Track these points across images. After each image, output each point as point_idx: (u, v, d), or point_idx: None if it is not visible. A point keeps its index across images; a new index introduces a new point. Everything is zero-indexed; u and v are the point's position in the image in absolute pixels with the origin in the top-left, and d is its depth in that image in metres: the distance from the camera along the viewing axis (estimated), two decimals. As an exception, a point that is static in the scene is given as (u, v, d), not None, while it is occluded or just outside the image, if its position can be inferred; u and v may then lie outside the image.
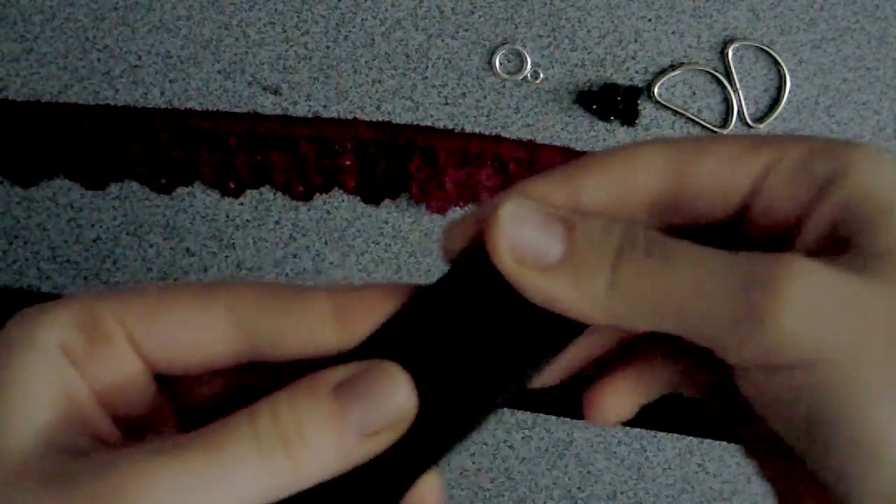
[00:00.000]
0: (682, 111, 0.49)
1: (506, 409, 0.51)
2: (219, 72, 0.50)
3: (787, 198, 0.22)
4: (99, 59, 0.50)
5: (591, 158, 0.24)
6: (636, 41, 0.49)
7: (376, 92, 0.50)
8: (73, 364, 0.22)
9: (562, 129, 0.49)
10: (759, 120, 0.49)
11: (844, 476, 0.20)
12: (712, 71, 0.49)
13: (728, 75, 0.49)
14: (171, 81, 0.50)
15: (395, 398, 0.22)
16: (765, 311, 0.20)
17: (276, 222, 0.51)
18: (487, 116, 0.49)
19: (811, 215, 0.22)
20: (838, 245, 0.21)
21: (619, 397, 0.24)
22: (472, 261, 0.23)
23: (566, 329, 0.23)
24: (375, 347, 0.23)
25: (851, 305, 0.20)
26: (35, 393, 0.22)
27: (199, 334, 0.24)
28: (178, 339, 0.23)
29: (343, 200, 0.51)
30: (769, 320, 0.20)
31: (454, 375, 0.23)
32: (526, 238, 0.22)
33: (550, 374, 0.24)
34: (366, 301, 0.24)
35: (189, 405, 0.25)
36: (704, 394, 0.25)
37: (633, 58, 0.49)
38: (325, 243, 0.51)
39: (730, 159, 0.23)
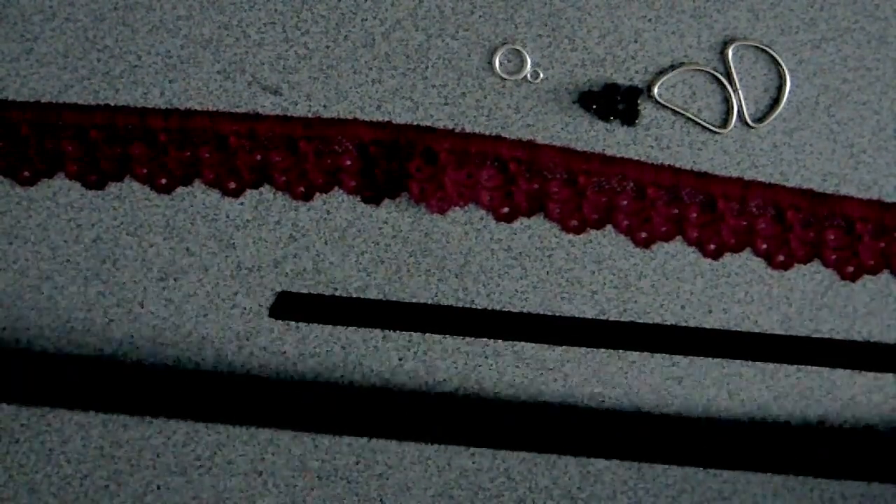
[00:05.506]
0: (682, 111, 0.49)
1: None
2: (219, 72, 0.50)
3: None
4: (99, 59, 0.50)
5: None
6: (636, 41, 0.49)
7: (376, 92, 0.50)
8: None
9: (562, 129, 0.49)
10: (759, 120, 0.49)
11: None
12: (712, 71, 0.49)
13: (728, 75, 0.49)
14: (171, 81, 0.50)
15: None
16: None
17: (276, 222, 0.51)
18: (487, 116, 0.49)
19: None
20: None
21: None
22: None
23: None
24: None
25: None
26: None
27: None
28: None
29: (343, 200, 0.51)
30: None
31: None
32: None
33: None
34: None
35: None
36: None
37: (633, 58, 0.49)
38: (325, 243, 0.51)
39: None
